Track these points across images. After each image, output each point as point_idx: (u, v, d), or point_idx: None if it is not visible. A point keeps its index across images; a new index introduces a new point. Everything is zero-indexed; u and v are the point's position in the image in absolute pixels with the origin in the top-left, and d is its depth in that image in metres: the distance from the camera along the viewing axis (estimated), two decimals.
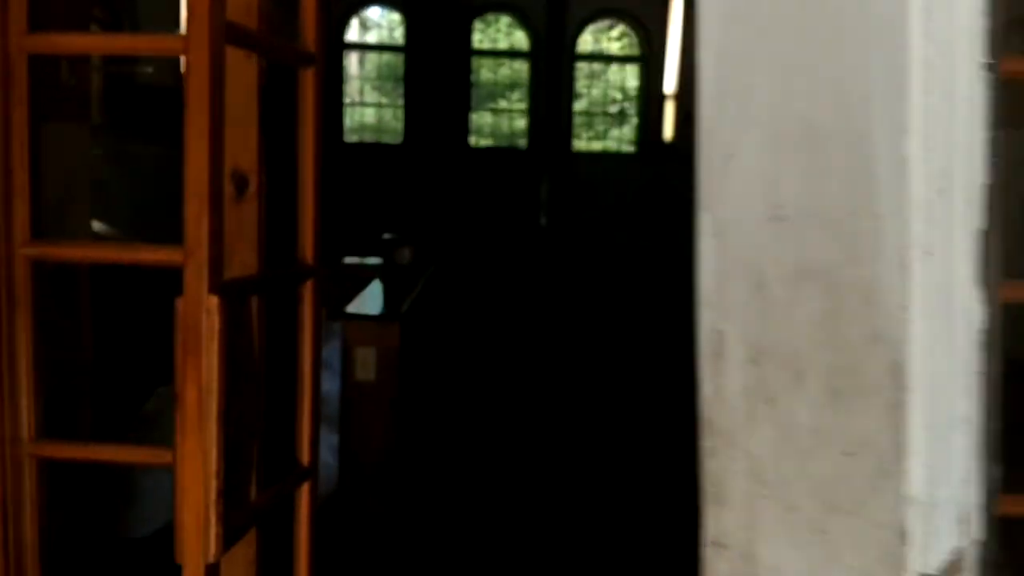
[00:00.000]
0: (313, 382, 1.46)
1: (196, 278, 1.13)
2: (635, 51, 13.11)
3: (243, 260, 1.36)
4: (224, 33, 1.15)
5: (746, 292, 0.84)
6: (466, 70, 12.62)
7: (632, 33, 13.06)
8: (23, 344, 1.27)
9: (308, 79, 1.44)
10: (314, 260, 1.48)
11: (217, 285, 1.14)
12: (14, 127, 1.22)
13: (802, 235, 0.82)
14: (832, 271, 0.81)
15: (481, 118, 13.15)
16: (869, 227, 0.81)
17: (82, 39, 1.22)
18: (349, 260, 4.99)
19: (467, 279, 9.04)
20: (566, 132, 12.79)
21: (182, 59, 1.14)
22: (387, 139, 12.78)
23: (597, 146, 13.40)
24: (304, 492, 1.44)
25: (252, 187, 1.41)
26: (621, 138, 13.41)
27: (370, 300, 3.54)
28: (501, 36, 13.14)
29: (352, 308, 3.33)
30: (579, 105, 13.12)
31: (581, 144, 13.19)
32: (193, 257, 1.13)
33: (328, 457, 3.40)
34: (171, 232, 1.22)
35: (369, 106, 13.03)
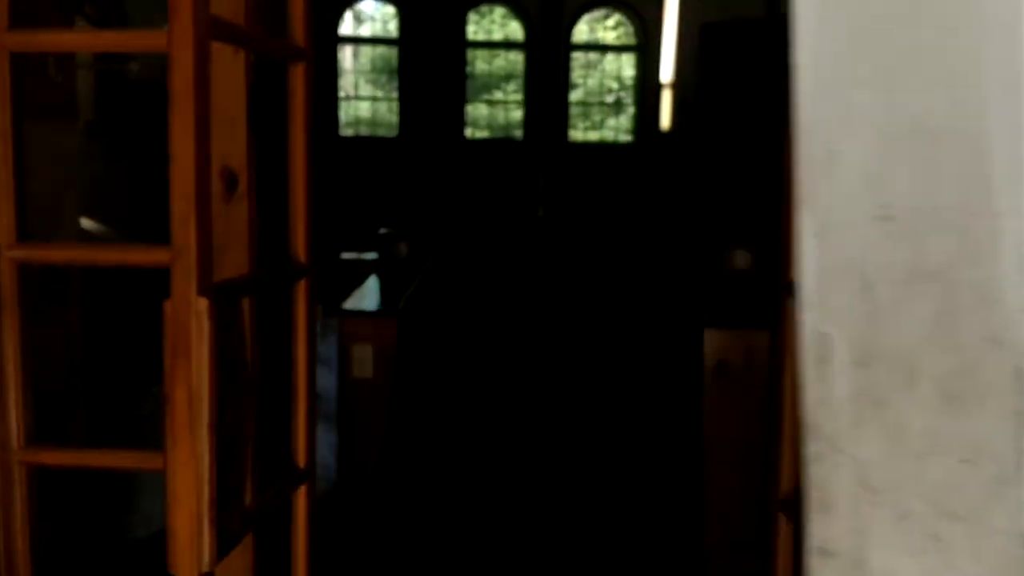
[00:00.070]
0: (308, 383, 1.43)
1: (184, 280, 1.10)
2: (631, 40, 13.05)
3: (234, 260, 1.33)
4: (209, 28, 1.12)
5: (852, 293, 0.81)
6: (461, 62, 12.57)
7: (628, 22, 13.00)
8: (10, 349, 1.24)
9: (298, 74, 1.41)
10: (307, 259, 1.45)
11: (206, 287, 1.12)
12: None
13: (913, 235, 0.79)
14: (946, 271, 0.79)
15: (477, 110, 13.10)
16: (986, 226, 0.78)
17: (64, 36, 1.19)
18: (346, 255, 4.96)
19: (465, 273, 9.01)
20: (562, 123, 12.75)
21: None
22: (382, 132, 12.73)
23: (594, 136, 13.36)
24: (301, 495, 1.41)
25: (242, 185, 1.38)
26: (618, 128, 13.36)
27: (367, 296, 3.52)
28: (496, 27, 13.09)
29: (349, 304, 3.30)
30: (575, 95, 13.07)
31: (578, 135, 13.15)
32: (181, 259, 1.10)
33: (327, 455, 3.37)
34: (168, 231, 1.19)
35: (364, 100, 12.97)
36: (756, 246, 3.44)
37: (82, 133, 5.69)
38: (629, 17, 12.92)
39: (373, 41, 12.98)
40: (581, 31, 12.99)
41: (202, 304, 1.10)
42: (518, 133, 12.97)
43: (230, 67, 1.32)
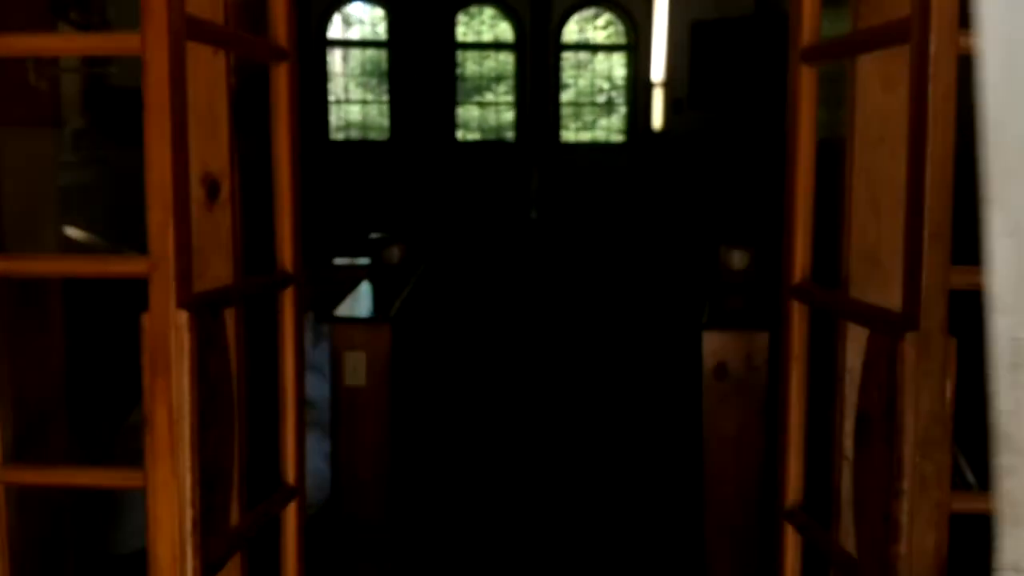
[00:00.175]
0: (296, 396, 1.38)
1: (162, 292, 1.05)
2: (621, 39, 13.02)
3: (216, 270, 1.27)
4: (184, 28, 1.07)
5: None
6: (451, 64, 12.52)
7: (618, 21, 12.97)
8: None
9: (281, 75, 1.36)
10: (294, 266, 1.40)
11: (186, 299, 1.06)
12: None
13: None
14: None
15: (468, 112, 13.05)
16: None
17: (31, 40, 1.14)
18: (339, 261, 4.90)
19: (459, 276, 8.96)
20: (554, 123, 12.71)
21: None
22: (373, 136, 12.67)
23: (586, 137, 13.32)
24: (291, 513, 1.36)
25: (224, 191, 1.32)
26: (610, 128, 13.33)
27: (359, 302, 3.46)
28: (485, 28, 13.04)
29: (341, 311, 3.24)
30: (566, 96, 13.03)
31: (570, 135, 13.11)
32: (158, 270, 1.04)
33: (321, 464, 3.32)
34: None
35: (354, 103, 12.91)
36: (753, 246, 3.39)
37: (70, 141, 5.64)
38: (619, 16, 12.88)
39: (362, 44, 12.92)
40: (571, 31, 12.95)
41: (182, 317, 1.05)
42: (510, 135, 12.92)
43: (209, 68, 1.27)
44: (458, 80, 12.67)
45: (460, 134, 12.77)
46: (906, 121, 1.11)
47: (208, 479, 1.11)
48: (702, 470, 3.06)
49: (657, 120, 12.42)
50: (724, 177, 10.88)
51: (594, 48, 13.23)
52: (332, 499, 3.17)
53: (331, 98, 12.49)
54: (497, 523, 3.85)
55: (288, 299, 1.37)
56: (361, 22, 12.86)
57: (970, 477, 2.64)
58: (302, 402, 1.38)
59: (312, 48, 11.94)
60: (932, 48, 1.01)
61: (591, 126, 13.35)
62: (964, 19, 1.05)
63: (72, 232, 3.96)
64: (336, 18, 12.52)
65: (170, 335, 1.04)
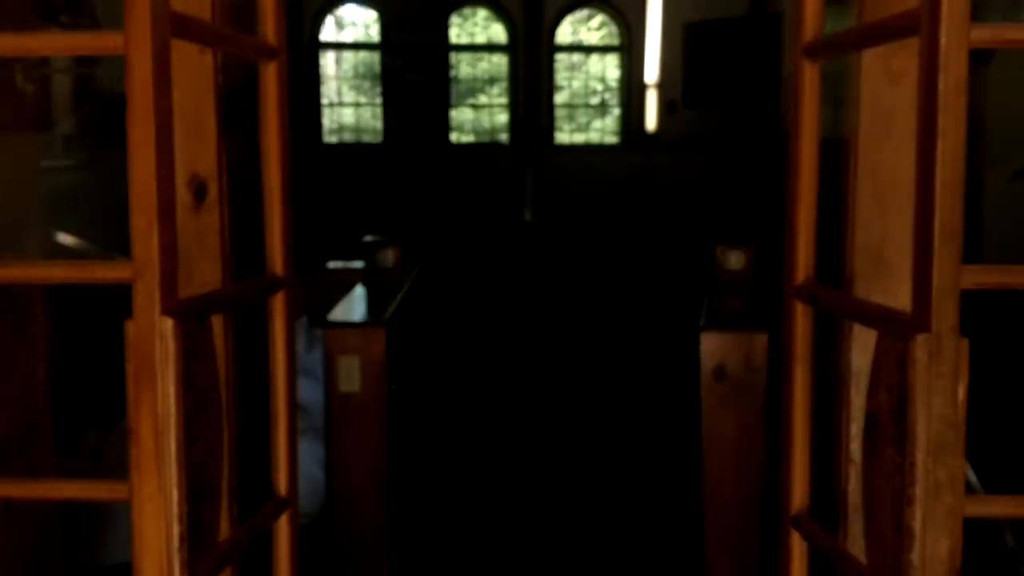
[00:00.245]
0: (288, 404, 1.34)
1: (147, 299, 1.01)
2: (615, 41, 12.99)
3: (204, 275, 1.24)
4: (169, 25, 1.03)
5: None
6: (444, 65, 12.47)
7: (611, 22, 12.94)
8: None
9: (270, 74, 1.32)
10: (284, 269, 1.36)
11: (171, 306, 1.02)
12: None
13: None
14: None
15: (461, 114, 13.01)
16: None
17: (11, 40, 1.10)
18: (333, 264, 4.86)
19: (454, 279, 8.91)
20: (548, 125, 12.67)
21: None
22: (367, 139, 12.62)
23: (580, 138, 13.28)
24: (283, 524, 1.32)
25: (212, 194, 1.29)
26: (604, 129, 13.29)
27: (353, 306, 3.42)
28: (478, 30, 13.00)
29: (335, 315, 3.20)
30: (560, 97, 13.00)
31: (564, 137, 13.07)
32: (143, 276, 1.01)
33: (316, 470, 3.28)
34: None
35: (347, 106, 12.87)
36: (751, 246, 3.36)
37: (61, 144, 5.59)
38: (612, 17, 12.85)
39: (355, 47, 12.87)
40: (564, 32, 12.91)
41: (167, 325, 1.01)
42: (504, 137, 12.88)
43: (196, 68, 1.23)
44: (452, 82, 12.63)
45: (454, 136, 12.73)
46: (912, 116, 1.07)
47: (196, 492, 1.07)
48: (701, 472, 3.03)
49: (651, 121, 12.39)
50: (720, 178, 10.86)
51: (587, 49, 13.20)
52: (326, 506, 3.13)
53: (324, 101, 12.44)
54: (496, 525, 3.82)
55: (279, 304, 1.33)
56: (354, 24, 12.82)
57: (972, 477, 2.61)
58: (294, 411, 1.34)
59: (305, 51, 11.89)
60: (942, 40, 0.98)
61: (585, 128, 13.32)
62: (974, 11, 1.01)
63: (63, 238, 3.92)
64: (329, 21, 12.47)
65: (155, 343, 1.01)
